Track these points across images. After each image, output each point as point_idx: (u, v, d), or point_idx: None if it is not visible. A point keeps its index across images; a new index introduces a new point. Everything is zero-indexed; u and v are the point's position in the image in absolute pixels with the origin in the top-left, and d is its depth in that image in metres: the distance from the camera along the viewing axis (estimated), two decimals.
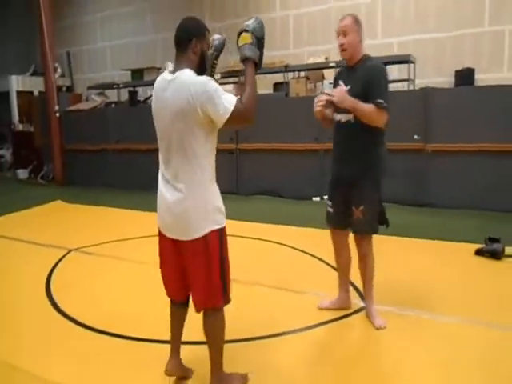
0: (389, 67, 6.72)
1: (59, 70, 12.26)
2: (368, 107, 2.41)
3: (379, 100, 2.39)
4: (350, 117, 2.51)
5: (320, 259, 3.82)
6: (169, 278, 2.08)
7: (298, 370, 2.25)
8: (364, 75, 2.46)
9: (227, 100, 1.80)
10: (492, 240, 3.72)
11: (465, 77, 6.62)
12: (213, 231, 1.90)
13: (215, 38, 2.06)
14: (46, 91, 7.83)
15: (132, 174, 7.41)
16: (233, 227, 4.73)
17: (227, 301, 1.97)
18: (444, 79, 7.17)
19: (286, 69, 6.48)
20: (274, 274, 3.57)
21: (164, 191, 1.96)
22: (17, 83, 11.41)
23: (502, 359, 2.28)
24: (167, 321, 2.16)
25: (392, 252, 3.90)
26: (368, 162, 2.55)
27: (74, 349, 2.54)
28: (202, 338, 2.03)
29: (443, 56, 7.32)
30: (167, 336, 2.19)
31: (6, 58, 12.45)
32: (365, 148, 2.54)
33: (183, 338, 2.17)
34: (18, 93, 11.44)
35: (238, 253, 3.93)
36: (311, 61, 6.61)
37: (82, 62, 11.69)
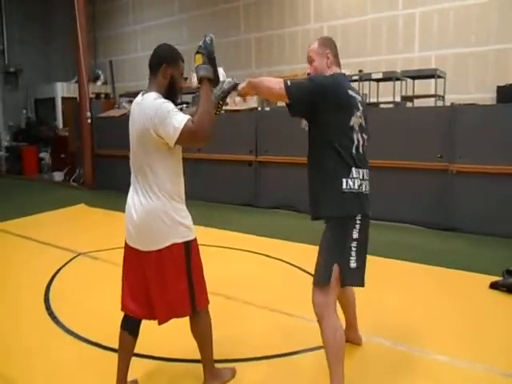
0: (416, 82, 6.44)
1: (102, 78, 12.83)
2: (267, 80, 2.06)
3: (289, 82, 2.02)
4: (303, 122, 2.18)
5: None
6: (130, 290, 2.08)
7: None
8: None
9: (177, 120, 1.84)
10: (510, 273, 3.36)
11: (508, 93, 6.21)
12: (175, 244, 1.96)
13: (226, 81, 2.11)
14: (80, 98, 8.14)
15: None
16: (245, 242, 4.72)
17: (197, 307, 2.01)
18: (486, 95, 6.77)
19: None
20: (272, 294, 3.42)
21: (130, 201, 2.05)
22: (62, 90, 11.97)
23: None
24: (164, 334, 2.22)
25: (399, 278, 3.68)
26: (320, 196, 2.06)
27: (58, 357, 2.55)
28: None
29: (485, 71, 6.91)
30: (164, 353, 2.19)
31: (54, 66, 13.17)
32: (314, 175, 2.11)
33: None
34: (64, 99, 12.01)
35: (241, 268, 3.95)
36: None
37: (123, 71, 12.12)
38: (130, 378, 2.16)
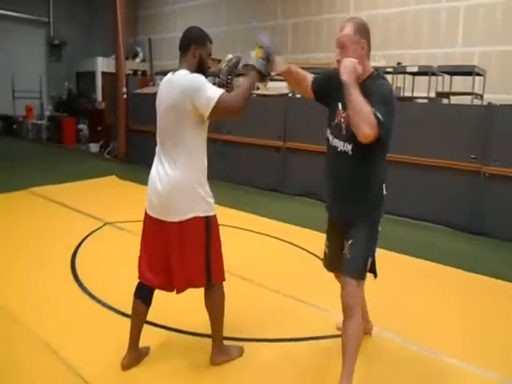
0: (456, 79, 6.27)
1: (141, 55, 13.06)
2: (364, 102, 1.86)
3: (377, 112, 1.86)
4: (348, 147, 2.04)
5: None
6: (148, 259, 2.19)
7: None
8: (368, 95, 1.90)
9: (212, 91, 1.97)
10: None
11: None
12: (197, 218, 2.05)
13: (232, 56, 2.23)
14: (116, 74, 8.36)
15: None
16: (267, 226, 4.79)
17: (212, 281, 2.13)
18: None
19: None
20: (287, 280, 3.50)
21: (154, 172, 2.15)
22: (102, 64, 12.29)
23: None
24: (180, 308, 2.44)
25: (420, 276, 3.66)
26: (365, 200, 2.10)
27: (75, 315, 2.77)
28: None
29: None
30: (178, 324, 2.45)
31: (96, 41, 13.50)
32: (363, 184, 2.08)
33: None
34: (103, 74, 12.34)
35: (260, 252, 4.05)
36: (372, 64, 6.32)
37: (161, 49, 12.29)
38: (141, 344, 2.30)
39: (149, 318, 2.30)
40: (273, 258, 3.97)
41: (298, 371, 2.31)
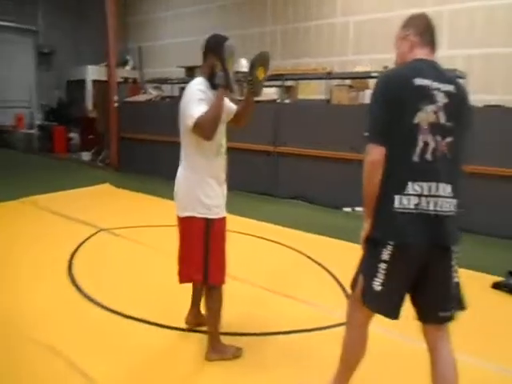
0: None
1: (131, 63, 13.12)
2: None
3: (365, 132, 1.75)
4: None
5: (331, 272, 3.77)
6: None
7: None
8: None
9: (194, 112, 2.07)
10: None
11: None
12: (195, 218, 2.21)
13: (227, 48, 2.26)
14: (108, 82, 8.42)
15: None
16: (260, 229, 4.87)
17: (209, 280, 2.25)
18: None
19: (329, 76, 6.42)
20: (277, 278, 3.61)
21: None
22: (92, 72, 12.32)
23: None
24: (162, 306, 2.65)
25: None
26: (375, 214, 1.78)
27: (78, 319, 2.84)
28: None
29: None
30: (159, 319, 2.64)
31: (85, 48, 13.53)
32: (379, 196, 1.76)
33: None
34: (94, 81, 12.36)
35: (253, 254, 4.14)
36: (358, 69, 6.49)
37: (152, 57, 12.37)
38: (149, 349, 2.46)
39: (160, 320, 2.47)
40: (263, 258, 4.07)
41: (292, 360, 2.40)
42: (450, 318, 1.81)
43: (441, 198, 1.68)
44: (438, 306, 1.78)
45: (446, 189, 1.69)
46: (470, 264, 3.89)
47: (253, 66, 2.20)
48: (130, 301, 3.08)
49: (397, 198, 1.68)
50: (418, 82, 1.70)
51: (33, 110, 13.07)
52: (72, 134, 11.31)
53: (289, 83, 7.42)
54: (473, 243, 4.69)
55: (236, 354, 2.42)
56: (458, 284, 1.81)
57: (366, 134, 1.73)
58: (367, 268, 1.79)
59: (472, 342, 2.68)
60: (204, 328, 2.57)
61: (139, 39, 12.55)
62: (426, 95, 1.69)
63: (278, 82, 6.82)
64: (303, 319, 2.91)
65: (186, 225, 2.25)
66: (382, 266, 1.71)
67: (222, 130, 2.27)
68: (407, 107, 1.69)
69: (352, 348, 1.94)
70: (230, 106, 2.39)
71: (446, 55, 7.39)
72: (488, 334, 2.85)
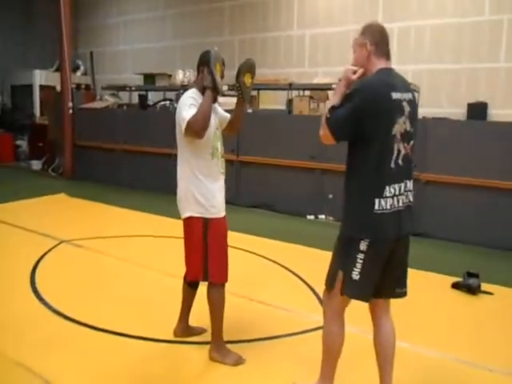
0: None
1: (82, 69, 12.71)
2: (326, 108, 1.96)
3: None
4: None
5: (300, 278, 3.85)
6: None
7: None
8: None
9: (185, 114, 2.19)
10: (470, 275, 3.69)
11: (477, 110, 6.63)
12: (194, 217, 2.31)
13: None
14: (62, 88, 8.12)
15: (137, 175, 7.59)
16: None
17: (209, 279, 2.35)
18: (458, 110, 7.18)
19: (290, 87, 6.61)
20: (248, 285, 3.65)
21: None
22: (40, 78, 11.80)
23: None
24: (129, 316, 2.55)
25: None
26: (345, 212, 1.99)
27: (46, 333, 2.72)
28: None
29: (457, 88, 7.34)
30: (128, 329, 2.56)
31: (32, 53, 12.94)
32: (346, 193, 1.98)
33: None
34: (42, 87, 11.83)
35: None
36: (317, 81, 6.74)
37: (104, 63, 12.05)
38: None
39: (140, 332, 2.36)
40: (231, 265, 4.03)
41: (282, 363, 2.44)
42: (405, 293, 2.09)
43: (403, 195, 1.92)
44: (396, 283, 2.04)
45: (408, 184, 1.94)
46: (430, 267, 4.17)
47: (240, 72, 2.33)
48: (104, 314, 2.99)
49: (377, 201, 1.86)
50: (394, 96, 1.86)
51: None
52: (19, 142, 10.75)
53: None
54: (429, 247, 4.99)
55: (238, 361, 2.43)
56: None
57: (328, 115, 1.90)
58: (345, 262, 1.94)
59: (433, 335, 2.89)
60: (190, 339, 2.59)
61: (90, 44, 12.19)
62: (399, 107, 1.88)
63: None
64: (282, 324, 2.96)
65: (187, 225, 2.36)
66: (360, 256, 1.89)
67: (217, 134, 2.40)
68: (385, 119, 1.85)
69: (332, 339, 2.05)
70: (223, 113, 2.52)
71: (396, 70, 7.83)
72: (448, 328, 3.06)
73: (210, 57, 2.27)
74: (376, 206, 1.85)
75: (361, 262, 1.88)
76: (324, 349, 2.09)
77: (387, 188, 1.86)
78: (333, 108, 1.91)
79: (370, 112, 1.83)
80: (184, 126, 2.19)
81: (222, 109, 2.56)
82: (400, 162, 1.88)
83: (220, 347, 2.44)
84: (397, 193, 1.88)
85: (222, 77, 2.40)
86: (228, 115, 2.54)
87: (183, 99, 2.28)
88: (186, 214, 2.35)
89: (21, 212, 5.75)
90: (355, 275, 1.90)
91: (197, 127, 2.17)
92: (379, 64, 1.97)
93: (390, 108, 1.85)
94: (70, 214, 5.93)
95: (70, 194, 6.91)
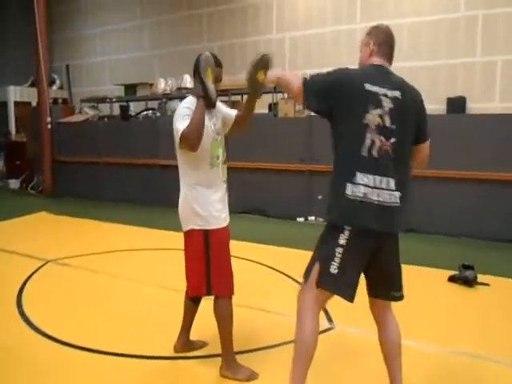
0: None
1: (58, 82, 12.44)
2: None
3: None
4: None
5: (297, 281, 3.76)
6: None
7: None
8: None
9: (179, 125, 2.11)
10: (466, 267, 3.69)
11: (456, 105, 6.71)
12: (195, 230, 2.23)
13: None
14: (39, 103, 7.90)
15: (120, 188, 7.40)
16: None
17: (212, 291, 2.24)
18: (437, 106, 7.25)
19: (275, 90, 6.55)
20: (246, 292, 3.53)
21: None
22: (14, 94, 11.50)
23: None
24: (126, 335, 2.40)
25: None
26: (329, 199, 1.98)
27: (35, 359, 2.52)
28: None
29: (436, 84, 7.41)
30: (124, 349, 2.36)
31: (5, 69, 12.61)
32: (330, 178, 1.99)
33: None
34: (16, 103, 11.53)
35: None
36: None
37: (80, 76, 11.83)
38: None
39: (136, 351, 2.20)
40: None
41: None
42: (400, 297, 2.03)
43: (384, 191, 1.87)
44: (389, 286, 2.01)
45: (389, 183, 1.88)
46: (423, 262, 4.15)
47: (255, 68, 2.16)
48: (98, 334, 2.83)
49: (348, 185, 1.86)
50: (368, 87, 1.89)
51: None
52: None
53: (234, 98, 7.47)
54: (421, 242, 4.98)
55: (251, 377, 2.30)
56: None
57: (303, 84, 1.93)
58: (324, 254, 1.90)
59: (436, 331, 2.85)
60: (192, 354, 2.45)
61: (65, 57, 11.94)
62: (373, 100, 1.88)
63: (224, 98, 6.82)
64: (286, 331, 2.84)
65: (188, 238, 2.27)
66: (339, 250, 1.86)
67: (218, 140, 2.30)
68: (355, 107, 1.89)
69: (301, 337, 1.92)
70: (227, 112, 2.40)
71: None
72: (450, 322, 3.02)
73: (199, 63, 2.19)
74: (348, 191, 1.85)
75: (339, 255, 1.86)
76: (294, 348, 1.93)
77: (358, 174, 1.85)
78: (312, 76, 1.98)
79: (337, 93, 1.90)
80: (178, 138, 2.13)
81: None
82: (374, 153, 1.86)
83: (231, 363, 2.32)
84: (371, 184, 1.84)
85: (218, 81, 2.32)
86: (234, 113, 2.42)
87: (178, 110, 2.21)
88: (186, 227, 2.27)
89: (1, 233, 5.51)
90: (333, 269, 1.86)
91: (191, 140, 2.09)
92: (376, 62, 2.02)
93: (359, 97, 1.88)
94: (53, 233, 5.72)
95: (51, 212, 6.68)
